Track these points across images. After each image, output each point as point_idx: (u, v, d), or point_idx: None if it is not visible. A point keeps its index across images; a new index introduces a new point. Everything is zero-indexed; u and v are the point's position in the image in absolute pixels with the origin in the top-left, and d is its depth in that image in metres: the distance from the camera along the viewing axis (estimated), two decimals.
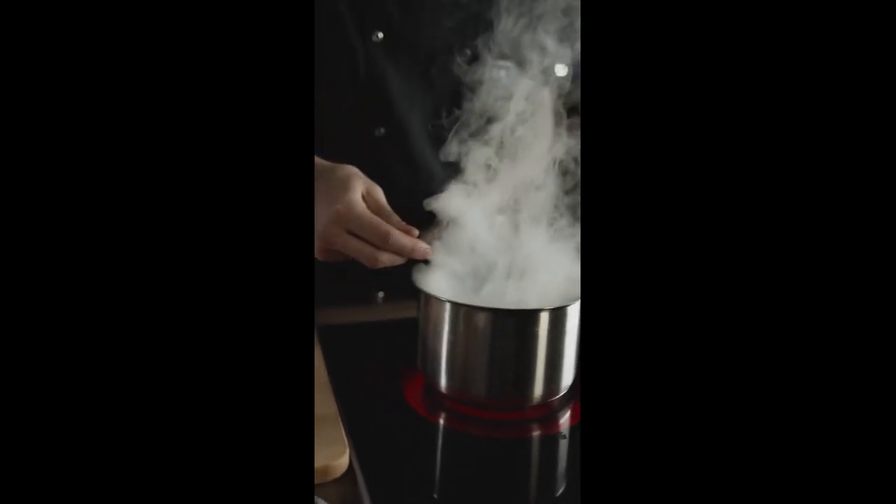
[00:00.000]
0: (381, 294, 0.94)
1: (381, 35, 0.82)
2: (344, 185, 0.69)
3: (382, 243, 0.67)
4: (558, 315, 0.63)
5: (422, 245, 0.69)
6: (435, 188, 0.84)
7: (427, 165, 0.88)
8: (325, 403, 0.65)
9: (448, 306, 0.64)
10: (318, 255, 0.71)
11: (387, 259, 0.68)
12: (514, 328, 0.63)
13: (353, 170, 0.72)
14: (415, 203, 0.83)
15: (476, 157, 0.82)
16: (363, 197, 0.70)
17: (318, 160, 0.76)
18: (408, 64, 0.84)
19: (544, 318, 0.62)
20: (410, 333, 0.72)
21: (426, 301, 0.67)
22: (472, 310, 0.63)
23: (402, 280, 0.73)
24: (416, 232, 0.70)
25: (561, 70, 0.88)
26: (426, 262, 0.72)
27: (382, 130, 0.86)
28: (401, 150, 0.87)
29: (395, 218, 0.70)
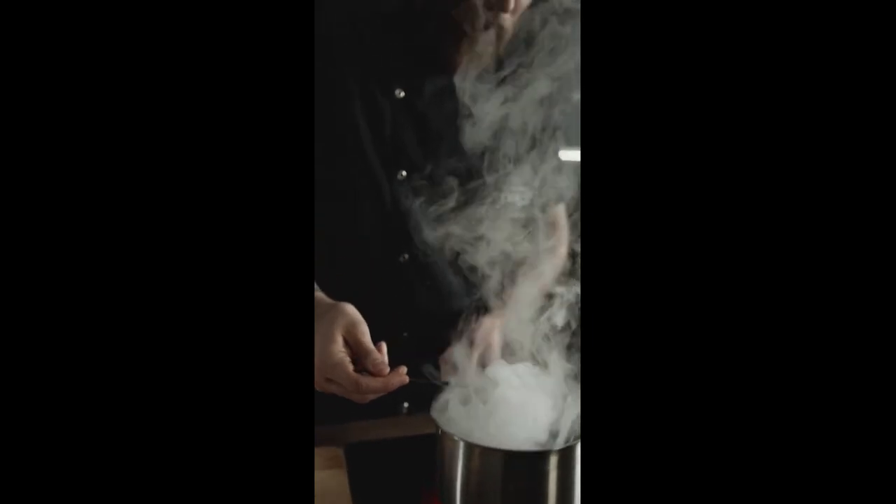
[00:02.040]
0: (406, 405, 0.98)
1: (404, 173, 0.89)
2: (325, 335, 0.75)
3: (356, 390, 0.74)
4: (567, 454, 0.67)
5: (394, 381, 0.74)
6: (457, 308, 0.90)
7: (448, 287, 0.94)
8: None
9: (462, 445, 0.68)
10: (317, 386, 0.77)
11: (370, 396, 0.74)
12: (525, 468, 0.67)
13: (338, 314, 0.78)
14: (436, 322, 0.89)
15: (493, 281, 0.87)
16: (344, 338, 0.76)
17: (318, 297, 0.82)
18: (430, 196, 0.90)
19: (553, 459, 0.66)
20: (432, 451, 0.76)
21: (442, 436, 0.71)
22: (485, 450, 0.67)
23: (426, 391, 0.78)
24: (386, 370, 0.75)
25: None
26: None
27: (406, 256, 0.92)
28: (424, 273, 0.93)
29: (372, 356, 0.75)
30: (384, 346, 0.77)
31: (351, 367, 0.75)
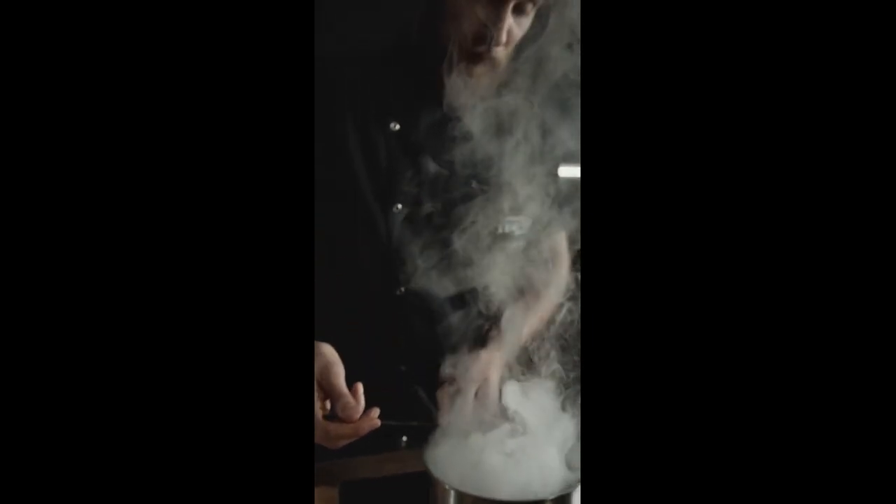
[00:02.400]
0: (404, 438, 0.97)
1: (400, 206, 0.88)
2: None
3: (324, 438, 0.73)
4: (563, 502, 0.65)
5: (364, 427, 0.73)
6: (455, 342, 0.89)
7: (446, 320, 0.93)
8: None
9: (453, 493, 0.67)
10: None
11: (341, 442, 0.73)
12: None
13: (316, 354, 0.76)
14: (434, 356, 0.88)
15: (491, 314, 0.86)
16: (318, 380, 0.74)
17: None
18: (426, 229, 0.89)
19: None
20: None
21: (434, 482, 0.70)
22: (476, 500, 0.66)
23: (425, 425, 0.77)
24: (357, 415, 0.73)
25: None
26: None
27: (403, 290, 0.91)
28: (421, 307, 0.92)
29: (343, 400, 0.74)
30: (360, 388, 0.75)
31: (321, 413, 0.73)
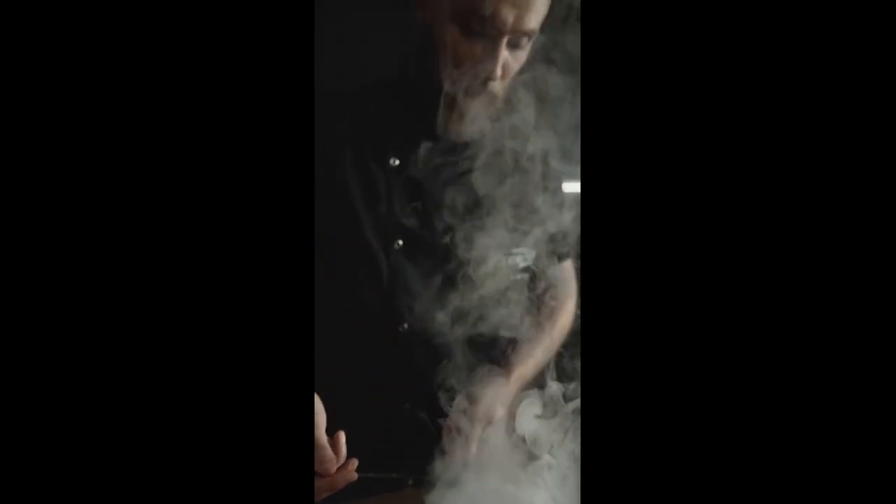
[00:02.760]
0: (409, 481, 0.95)
1: (401, 242, 0.87)
2: None
3: None
4: None
5: (339, 482, 0.71)
6: (459, 379, 0.87)
7: (451, 357, 0.91)
8: None
9: None
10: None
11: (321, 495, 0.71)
12: None
13: None
14: (440, 395, 0.86)
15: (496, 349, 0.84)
16: None
17: None
18: (427, 264, 0.89)
19: None
20: None
21: None
22: None
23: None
24: (333, 468, 0.71)
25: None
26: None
27: (406, 326, 0.90)
28: (425, 343, 0.91)
29: (320, 453, 0.71)
30: (341, 438, 0.73)
31: None
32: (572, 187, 0.95)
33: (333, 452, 0.71)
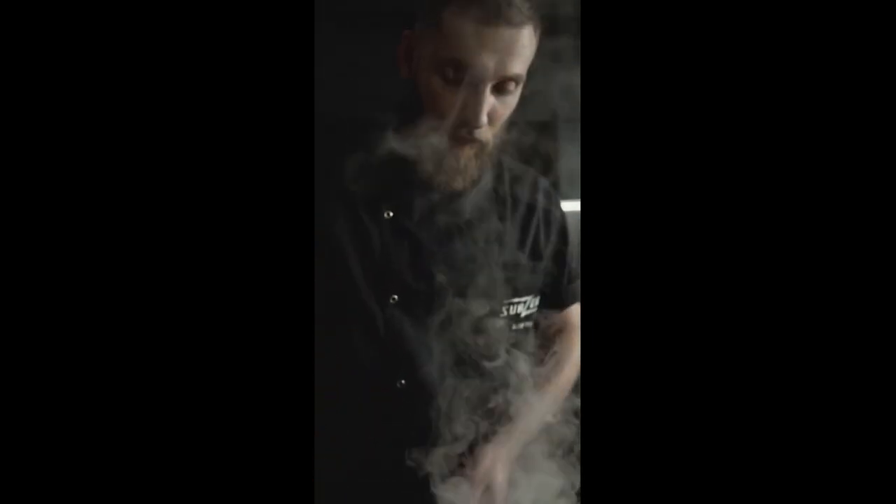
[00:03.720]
0: None
1: (396, 297, 0.85)
2: None
3: None
4: None
5: None
6: (461, 435, 0.84)
7: (451, 413, 0.88)
8: None
9: None
10: None
11: None
12: None
13: None
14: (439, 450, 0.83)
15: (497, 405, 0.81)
16: None
17: None
18: (424, 318, 0.86)
19: None
20: None
21: None
22: None
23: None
24: None
25: None
26: None
27: (404, 382, 0.87)
28: (424, 399, 0.88)
29: None
30: None
31: None
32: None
33: None
